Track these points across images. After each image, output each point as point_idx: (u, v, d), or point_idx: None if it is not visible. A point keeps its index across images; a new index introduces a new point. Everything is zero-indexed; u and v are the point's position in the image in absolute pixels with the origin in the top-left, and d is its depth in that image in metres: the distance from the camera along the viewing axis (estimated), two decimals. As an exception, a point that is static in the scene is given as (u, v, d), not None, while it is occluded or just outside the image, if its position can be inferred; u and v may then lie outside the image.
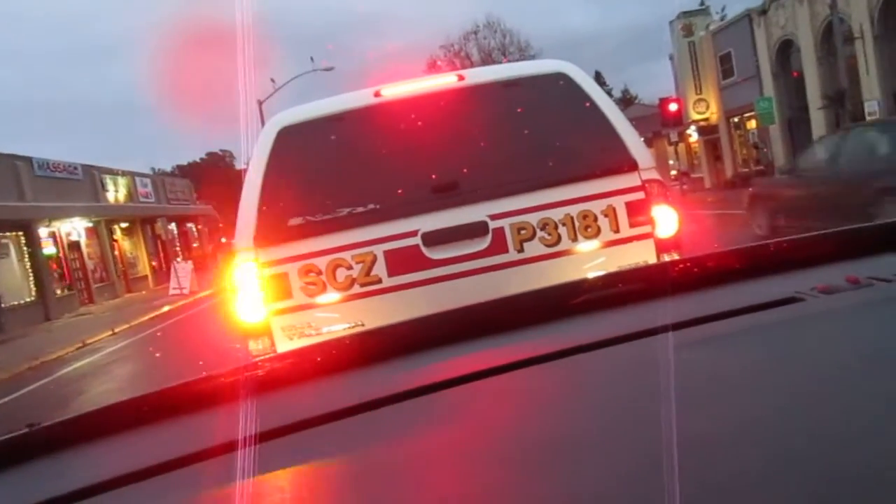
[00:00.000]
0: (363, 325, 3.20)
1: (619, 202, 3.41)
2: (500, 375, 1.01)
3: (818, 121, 23.75)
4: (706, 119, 32.48)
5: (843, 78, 20.66)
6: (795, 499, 0.58)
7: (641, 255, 3.38)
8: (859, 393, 0.76)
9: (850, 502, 0.56)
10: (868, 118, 20.60)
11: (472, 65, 35.94)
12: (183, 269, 24.46)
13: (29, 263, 23.47)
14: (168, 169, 59.92)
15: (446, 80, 3.62)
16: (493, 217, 3.35)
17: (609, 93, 43.07)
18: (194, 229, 41.74)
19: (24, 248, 23.47)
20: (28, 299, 22.98)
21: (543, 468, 0.72)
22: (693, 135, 34.12)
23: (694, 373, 0.89)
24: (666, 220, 3.44)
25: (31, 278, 23.37)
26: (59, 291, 24.68)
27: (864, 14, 20.55)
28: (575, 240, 3.39)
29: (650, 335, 1.03)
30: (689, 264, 1.38)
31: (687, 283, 1.30)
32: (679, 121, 31.78)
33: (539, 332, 1.22)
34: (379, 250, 3.33)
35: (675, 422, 0.70)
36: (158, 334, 15.33)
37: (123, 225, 31.76)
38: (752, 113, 27.32)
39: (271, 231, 3.34)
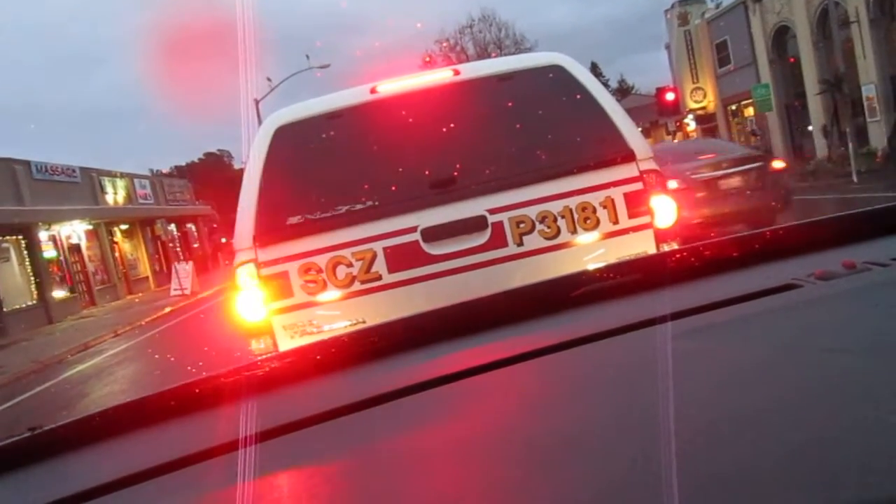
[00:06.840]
0: (364, 322, 3.20)
1: (617, 193, 3.41)
2: (502, 369, 1.02)
3: (816, 106, 23.69)
4: (703, 107, 32.42)
5: (840, 62, 20.60)
6: (795, 488, 0.58)
7: (641, 245, 3.38)
8: (858, 378, 0.76)
9: (852, 490, 0.56)
10: (866, 102, 20.58)
11: (468, 59, 35.85)
12: (183, 270, 24.44)
13: (30, 267, 23.47)
14: (166, 170, 59.69)
15: (442, 76, 3.62)
16: (492, 211, 3.35)
17: (605, 83, 42.93)
18: (194, 230, 41.68)
19: (25, 252, 23.47)
20: (30, 302, 22.98)
21: (545, 461, 0.72)
22: (691, 123, 34.05)
23: (694, 362, 0.90)
24: (665, 210, 3.43)
25: (33, 281, 23.37)
26: (60, 294, 24.67)
27: (859, -3, 20.48)
28: (574, 232, 3.39)
29: (650, 325, 1.03)
30: (686, 254, 1.38)
31: (685, 272, 1.30)
32: (676, 110, 31.65)
33: (539, 325, 1.22)
34: (378, 247, 3.33)
35: (676, 411, 0.70)
36: (160, 336, 15.34)
37: (123, 227, 31.72)
38: (749, 100, 27.23)
39: (271, 230, 3.34)
